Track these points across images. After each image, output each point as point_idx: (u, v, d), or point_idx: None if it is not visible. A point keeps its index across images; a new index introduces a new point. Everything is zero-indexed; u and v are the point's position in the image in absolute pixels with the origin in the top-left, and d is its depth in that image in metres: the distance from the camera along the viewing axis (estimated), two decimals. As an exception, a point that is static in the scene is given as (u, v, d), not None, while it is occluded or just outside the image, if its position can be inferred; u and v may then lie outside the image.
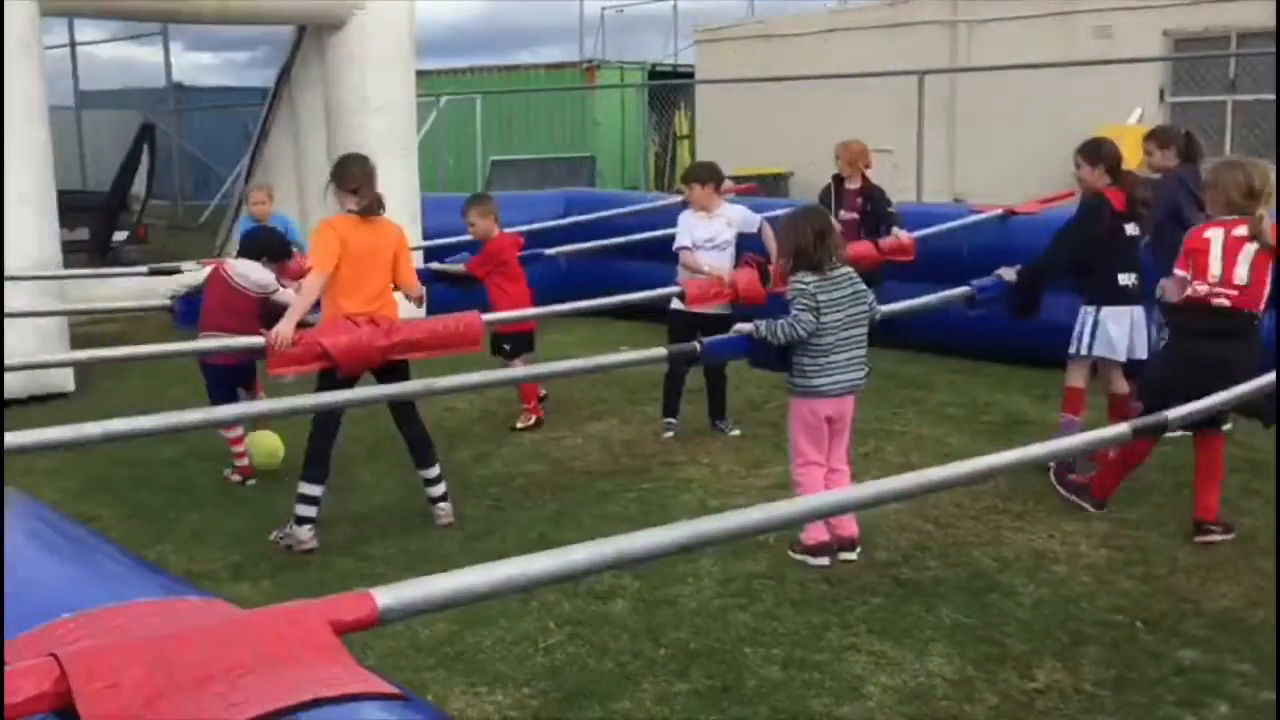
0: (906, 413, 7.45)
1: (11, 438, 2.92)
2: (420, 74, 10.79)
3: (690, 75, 20.94)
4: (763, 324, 4.91)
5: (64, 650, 1.40)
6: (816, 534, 4.98)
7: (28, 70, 7.96)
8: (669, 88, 19.99)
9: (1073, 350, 5.89)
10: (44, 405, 7.99)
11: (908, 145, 13.07)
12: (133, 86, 23.41)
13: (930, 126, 13.12)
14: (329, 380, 5.18)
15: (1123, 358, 5.82)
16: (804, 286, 4.87)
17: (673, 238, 7.00)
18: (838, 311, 4.89)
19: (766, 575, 4.90)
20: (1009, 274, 5.93)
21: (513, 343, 7.15)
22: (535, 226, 10.00)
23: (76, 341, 8.59)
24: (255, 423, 6.37)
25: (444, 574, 1.91)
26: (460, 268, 7.22)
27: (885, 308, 5.54)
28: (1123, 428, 3.82)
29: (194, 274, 6.37)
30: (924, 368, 8.46)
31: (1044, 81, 14.21)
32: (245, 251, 6.22)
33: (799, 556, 4.98)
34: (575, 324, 9.73)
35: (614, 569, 2.32)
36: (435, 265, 7.34)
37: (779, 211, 8.26)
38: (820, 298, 4.84)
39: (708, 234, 6.81)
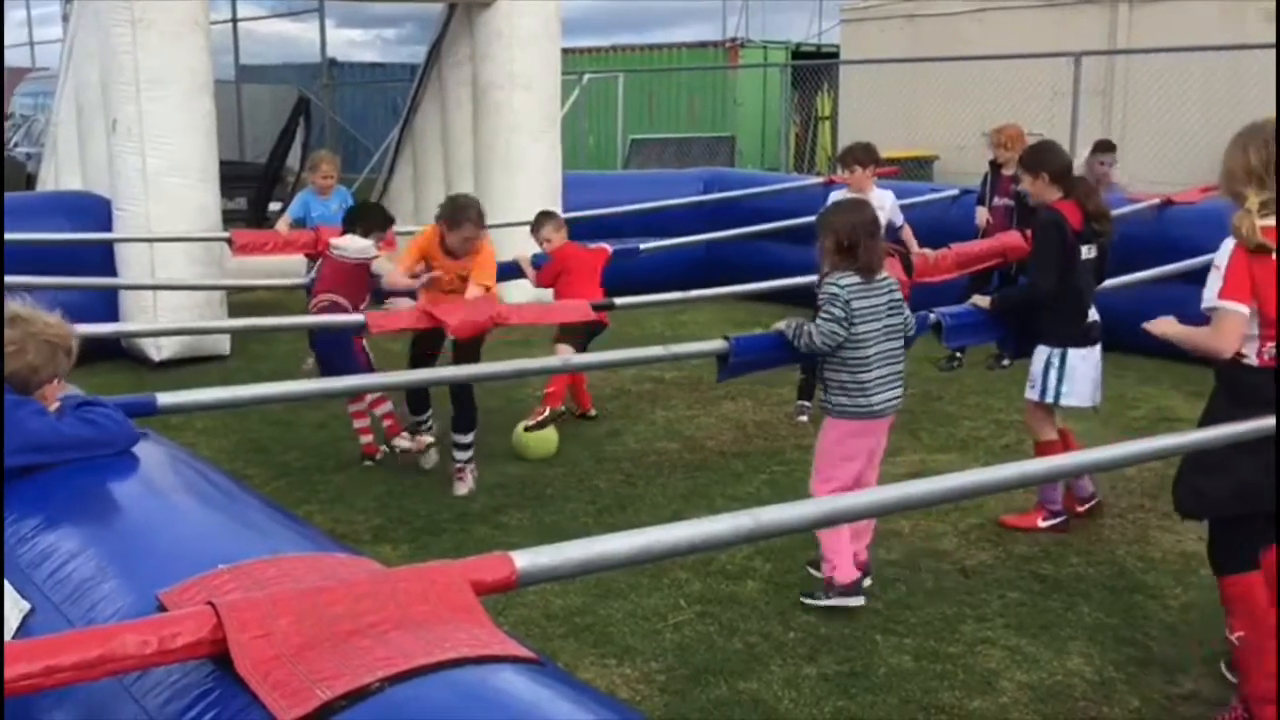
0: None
1: (178, 396, 3.05)
2: (564, 52, 10.87)
3: (835, 55, 20.63)
4: (795, 323, 4.43)
5: (220, 600, 1.46)
6: (849, 570, 4.39)
7: (195, 45, 8.28)
8: (812, 68, 19.71)
9: (1033, 396, 5.05)
10: (202, 366, 8.35)
11: (1060, 130, 12.64)
12: (289, 62, 24.17)
13: (1084, 110, 12.66)
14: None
15: (1089, 404, 5.09)
16: (838, 291, 4.31)
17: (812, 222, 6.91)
18: (874, 321, 4.36)
19: (900, 564, 4.83)
20: (982, 301, 5.14)
21: (570, 331, 6.44)
22: (673, 202, 10.03)
23: (234, 307, 8.94)
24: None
25: (581, 540, 1.93)
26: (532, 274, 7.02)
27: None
28: (1268, 421, 3.31)
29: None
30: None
31: (1209, 66, 13.56)
32: (346, 224, 6.49)
33: (827, 603, 4.36)
34: (713, 304, 9.70)
35: (750, 541, 2.31)
36: (519, 258, 7.17)
37: (930, 196, 8.11)
38: (854, 304, 4.31)
39: None
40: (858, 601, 4.36)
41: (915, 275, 6.24)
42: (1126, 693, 3.78)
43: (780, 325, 4.49)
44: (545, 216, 7.16)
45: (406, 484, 5.87)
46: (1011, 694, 3.78)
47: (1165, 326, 3.67)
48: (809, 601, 4.43)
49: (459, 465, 5.83)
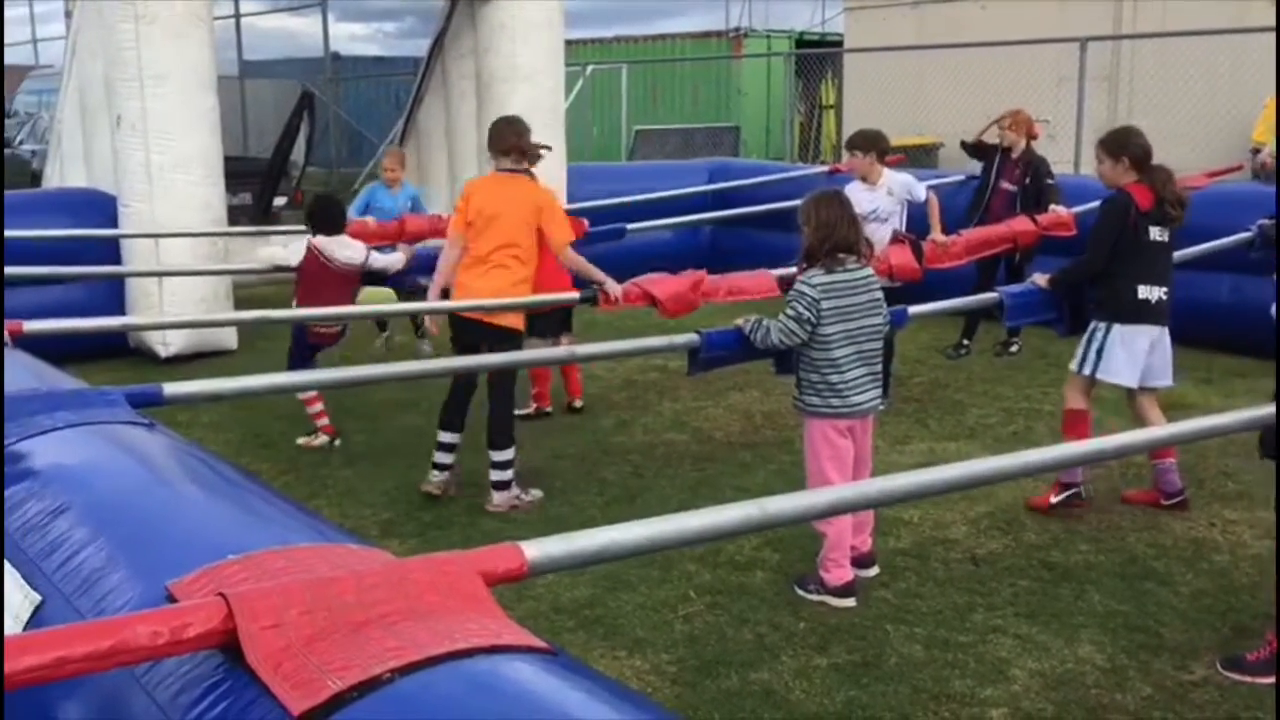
0: (1057, 392, 7.17)
1: (185, 387, 3.04)
2: (567, 43, 10.84)
3: (838, 44, 20.58)
4: (755, 318, 4.37)
5: (231, 590, 1.45)
6: (842, 573, 4.35)
7: (198, 41, 8.27)
8: (816, 57, 19.66)
9: (1073, 366, 5.19)
10: (209, 361, 8.35)
11: (1066, 115, 12.61)
12: (292, 57, 24.18)
13: (1090, 96, 12.62)
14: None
15: (1133, 384, 5.10)
16: (808, 290, 4.22)
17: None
18: (846, 321, 4.25)
19: (909, 553, 4.82)
20: (1042, 280, 5.27)
21: (541, 322, 6.39)
22: (680, 192, 10.03)
23: (239, 304, 8.94)
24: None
25: (590, 530, 1.93)
26: None
27: (920, 308, 5.01)
28: (1269, 409, 3.44)
29: (294, 251, 6.49)
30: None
31: (1215, 50, 13.51)
32: (321, 226, 6.24)
33: (817, 598, 4.35)
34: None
35: (757, 531, 2.31)
36: None
37: (936, 182, 8.09)
38: (824, 305, 4.21)
39: (871, 205, 6.62)
40: (848, 603, 4.33)
41: (926, 261, 6.23)
42: (1138, 680, 3.77)
43: (740, 321, 4.41)
44: None
45: (416, 478, 5.85)
46: (1023, 682, 3.77)
47: None
48: (799, 590, 4.43)
49: (493, 482, 5.42)
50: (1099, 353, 5.06)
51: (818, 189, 4.61)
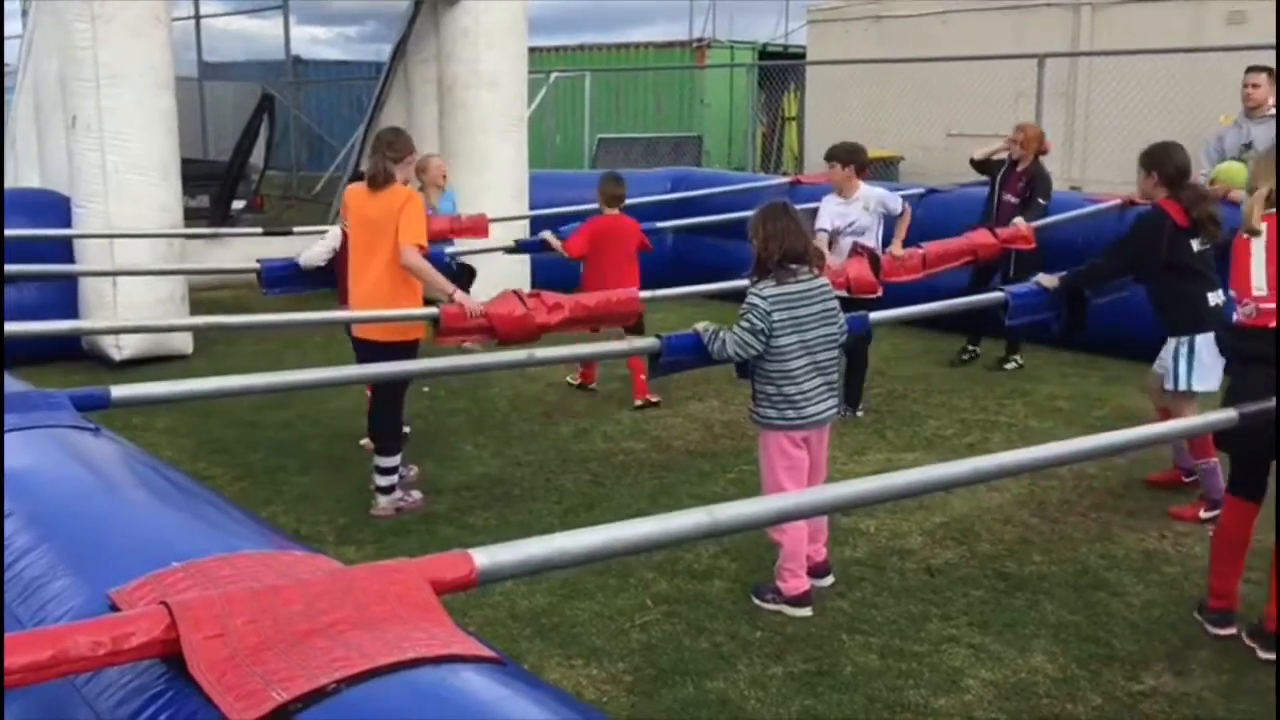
0: (1014, 404, 7.28)
1: (133, 389, 2.99)
2: (531, 50, 10.82)
3: (801, 56, 20.69)
4: (712, 328, 4.34)
5: (174, 599, 1.43)
6: (799, 582, 4.37)
7: (156, 42, 8.18)
8: (779, 68, 19.74)
9: (1169, 385, 5.21)
10: (164, 366, 8.25)
11: (1024, 131, 12.73)
12: (253, 59, 23.96)
13: (1048, 111, 12.77)
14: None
15: (1215, 388, 5.11)
16: (759, 302, 4.21)
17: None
18: (800, 332, 4.23)
19: (866, 563, 4.84)
20: (1049, 281, 5.30)
21: None
22: (640, 200, 10.00)
23: (195, 307, 8.85)
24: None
25: (541, 537, 1.91)
26: (560, 244, 7.23)
27: (913, 309, 5.05)
28: (1229, 412, 3.44)
29: (332, 239, 6.37)
30: (1034, 360, 8.25)
31: (1170, 69, 13.71)
32: None
33: (772, 608, 4.37)
34: (680, 304, 9.70)
35: (708, 537, 2.31)
36: (547, 234, 7.37)
37: (909, 191, 8.11)
38: (775, 317, 4.19)
39: (847, 220, 6.62)
40: (805, 613, 4.34)
41: (884, 275, 6.25)
42: (1089, 689, 3.81)
43: (699, 327, 4.40)
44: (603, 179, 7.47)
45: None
46: (976, 692, 3.79)
47: None
48: (756, 600, 4.43)
49: (376, 486, 5.43)
50: (1190, 367, 5.14)
51: (765, 201, 4.58)
